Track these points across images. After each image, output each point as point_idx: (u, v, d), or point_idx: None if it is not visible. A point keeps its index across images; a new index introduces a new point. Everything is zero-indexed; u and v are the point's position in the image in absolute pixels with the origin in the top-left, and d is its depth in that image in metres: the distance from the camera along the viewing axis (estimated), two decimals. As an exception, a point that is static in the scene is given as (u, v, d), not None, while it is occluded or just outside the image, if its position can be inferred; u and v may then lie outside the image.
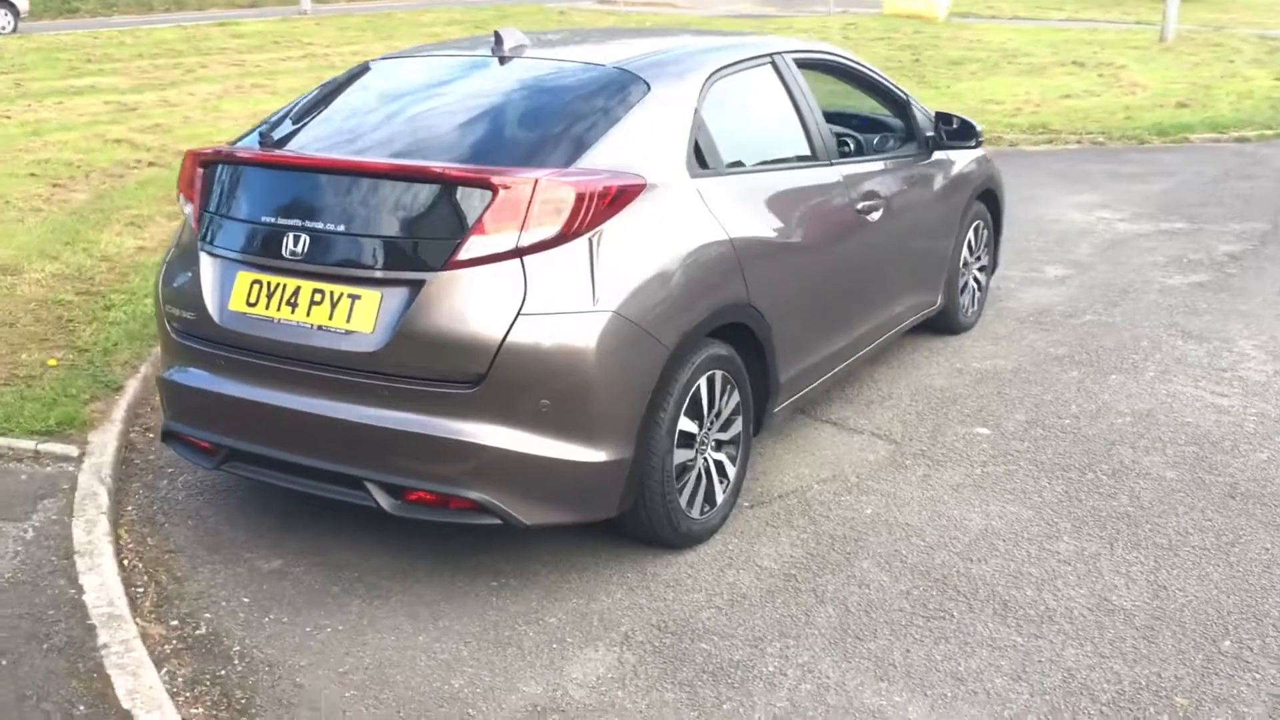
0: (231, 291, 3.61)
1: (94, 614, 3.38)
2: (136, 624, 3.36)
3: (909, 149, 5.38)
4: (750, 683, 3.16)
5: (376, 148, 3.72)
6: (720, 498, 3.96)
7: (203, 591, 3.64)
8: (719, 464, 3.94)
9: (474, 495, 3.34)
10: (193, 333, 3.73)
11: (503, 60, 4.13)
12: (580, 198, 3.33)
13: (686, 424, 3.71)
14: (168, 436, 3.93)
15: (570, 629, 3.43)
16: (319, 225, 3.46)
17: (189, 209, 3.85)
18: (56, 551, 3.72)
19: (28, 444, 4.42)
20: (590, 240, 3.37)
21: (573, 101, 3.78)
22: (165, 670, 3.20)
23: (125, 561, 3.79)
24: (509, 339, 3.26)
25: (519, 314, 3.27)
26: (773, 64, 4.52)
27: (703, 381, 3.75)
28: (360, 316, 3.39)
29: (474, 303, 3.29)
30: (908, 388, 5.30)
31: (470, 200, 3.32)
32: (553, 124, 3.68)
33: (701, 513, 3.87)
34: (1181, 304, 6.47)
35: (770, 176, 4.28)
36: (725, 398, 3.92)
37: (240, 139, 4.10)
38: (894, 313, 5.19)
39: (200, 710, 3.05)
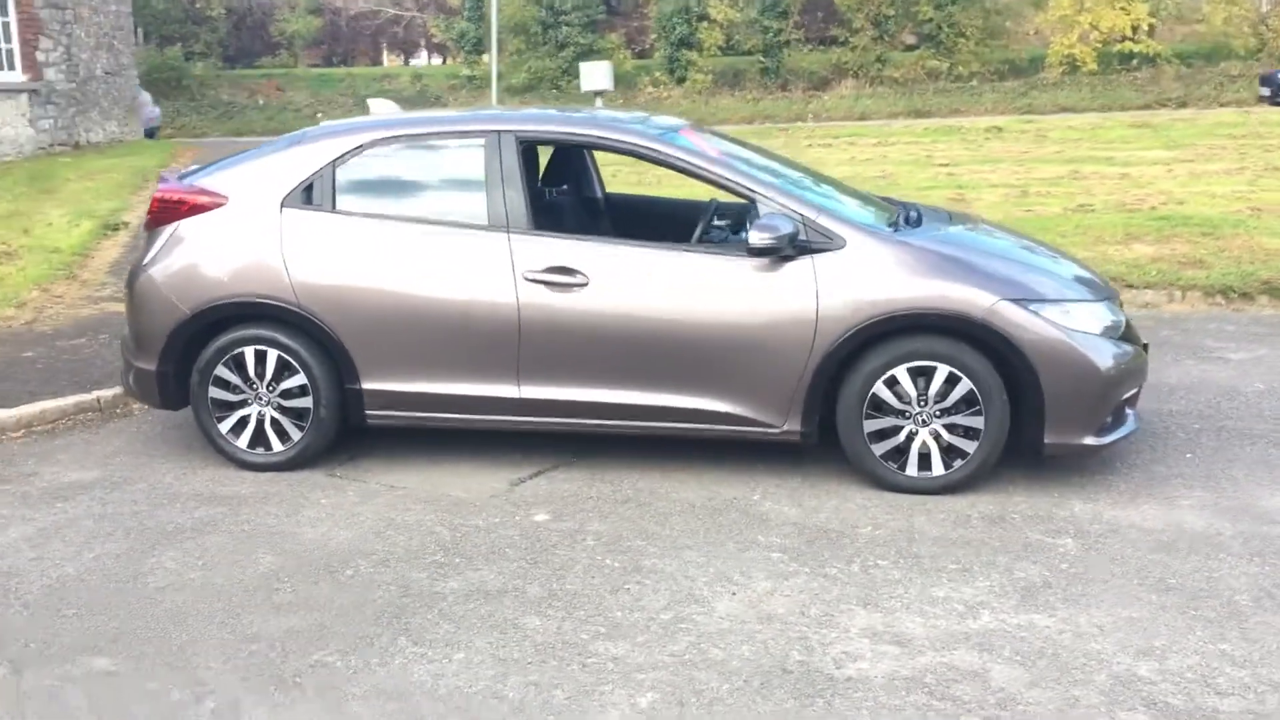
0: None
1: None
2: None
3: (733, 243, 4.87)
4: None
5: None
6: (278, 447, 5.08)
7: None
8: (278, 423, 5.08)
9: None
10: None
11: None
12: (156, 200, 5.28)
13: (225, 373, 5.08)
14: None
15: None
16: None
17: None
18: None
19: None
20: (171, 228, 5.20)
21: (271, 144, 5.43)
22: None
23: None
24: (130, 280, 5.45)
25: (140, 265, 5.41)
26: (486, 141, 5.05)
27: (249, 351, 5.03)
28: None
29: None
30: (597, 478, 5.04)
31: None
32: (234, 156, 5.45)
33: (252, 447, 5.13)
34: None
35: (384, 224, 5.03)
36: (288, 375, 5.02)
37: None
38: (643, 404, 4.86)
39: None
